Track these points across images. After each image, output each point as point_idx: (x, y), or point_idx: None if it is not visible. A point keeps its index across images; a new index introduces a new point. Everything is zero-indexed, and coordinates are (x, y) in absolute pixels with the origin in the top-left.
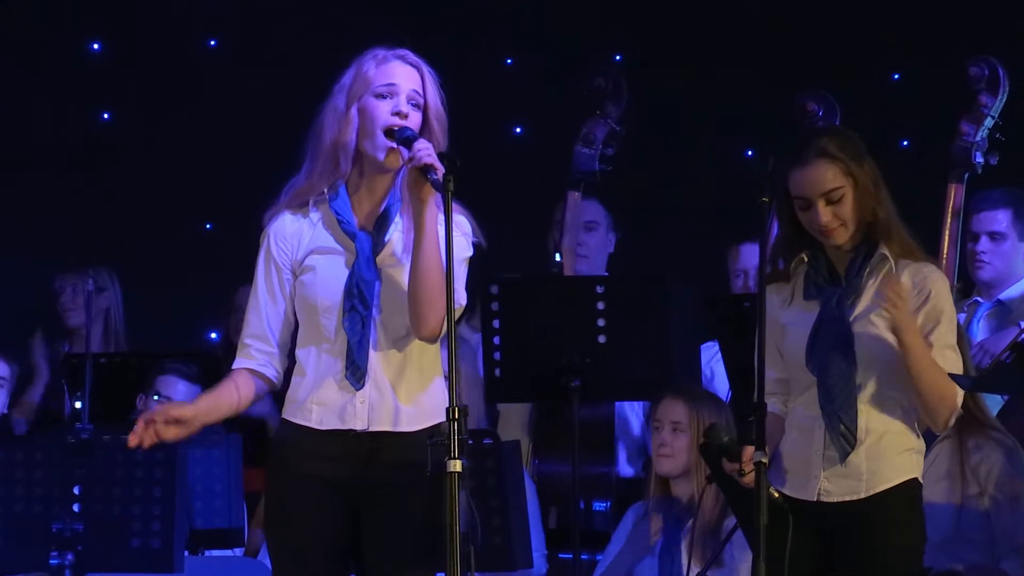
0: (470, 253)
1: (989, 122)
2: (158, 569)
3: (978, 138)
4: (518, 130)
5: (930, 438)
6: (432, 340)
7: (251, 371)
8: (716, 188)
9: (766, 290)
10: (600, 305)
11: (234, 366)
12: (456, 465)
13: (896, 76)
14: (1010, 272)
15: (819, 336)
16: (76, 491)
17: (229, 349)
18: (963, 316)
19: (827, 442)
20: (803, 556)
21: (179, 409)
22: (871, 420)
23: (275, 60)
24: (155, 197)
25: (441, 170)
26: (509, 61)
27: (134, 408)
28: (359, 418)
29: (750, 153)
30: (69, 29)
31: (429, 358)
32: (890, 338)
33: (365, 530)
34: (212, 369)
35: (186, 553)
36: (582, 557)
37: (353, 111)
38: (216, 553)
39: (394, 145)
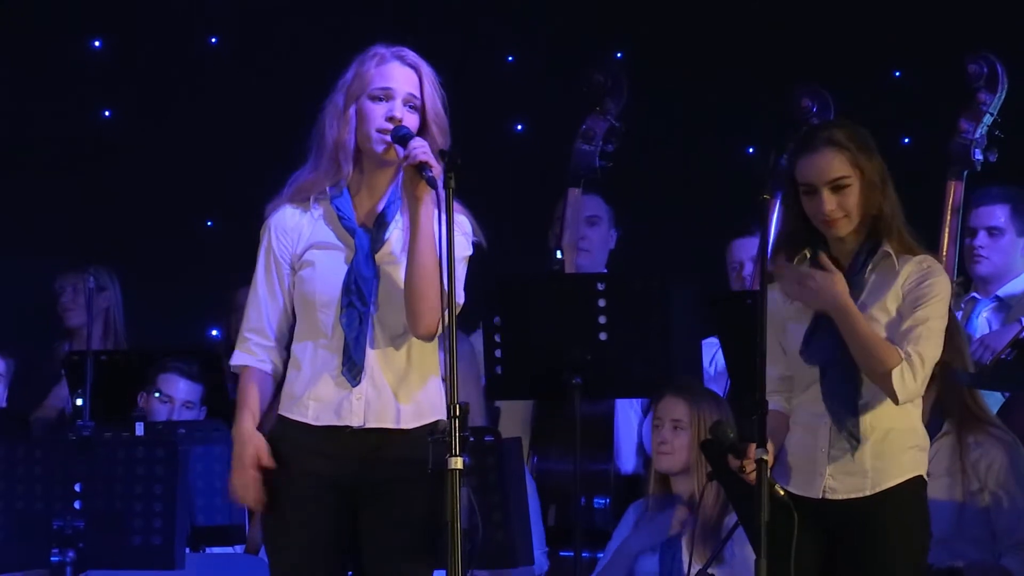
0: (470, 252)
1: (988, 119)
2: (159, 566)
3: (977, 135)
4: (519, 127)
5: (930, 435)
6: (429, 338)
7: (255, 370)
8: (717, 185)
9: (769, 287)
10: (601, 302)
11: (233, 360)
12: (457, 462)
13: (897, 73)
14: (1008, 267)
15: (818, 331)
16: (77, 488)
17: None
18: (960, 313)
19: (832, 439)
20: (808, 554)
21: (265, 458)
22: (876, 417)
23: (276, 57)
24: (156, 194)
25: (437, 168)
26: (510, 59)
27: (135, 406)
28: (355, 415)
29: (751, 150)
30: (70, 26)
31: (426, 356)
32: (886, 326)
33: (362, 527)
34: (213, 367)
35: (187, 550)
36: (582, 555)
37: (351, 112)
38: (217, 550)
39: (390, 140)
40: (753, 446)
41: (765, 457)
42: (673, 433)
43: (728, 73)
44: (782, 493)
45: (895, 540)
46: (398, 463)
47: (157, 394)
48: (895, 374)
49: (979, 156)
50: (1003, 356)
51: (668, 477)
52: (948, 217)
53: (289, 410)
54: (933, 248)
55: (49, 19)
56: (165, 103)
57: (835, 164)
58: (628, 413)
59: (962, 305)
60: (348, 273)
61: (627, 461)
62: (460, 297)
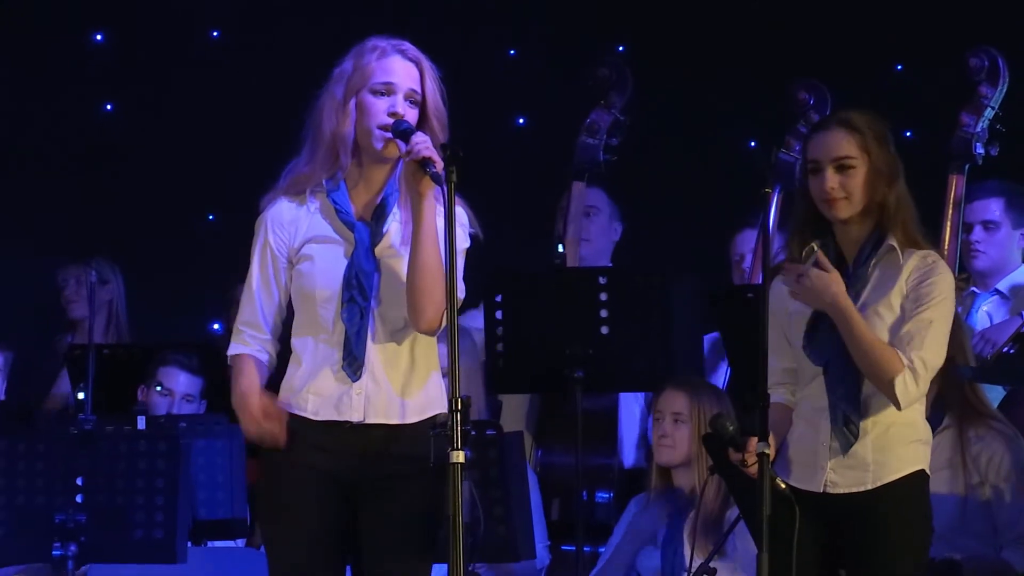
0: (467, 244)
1: (989, 113)
2: (161, 560)
3: (978, 129)
4: (521, 121)
5: (931, 428)
6: (431, 333)
7: (253, 359)
8: (718, 179)
9: (777, 279)
10: (603, 296)
11: (230, 351)
12: (459, 456)
13: (899, 67)
14: (1006, 261)
15: (820, 324)
16: (79, 482)
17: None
18: (960, 307)
19: (832, 434)
20: (809, 547)
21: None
22: (877, 411)
23: (278, 51)
24: (157, 188)
25: (440, 163)
26: (512, 52)
27: (136, 399)
28: (355, 410)
29: (752, 144)
30: (72, 20)
31: (427, 351)
32: (892, 324)
33: (361, 522)
34: (214, 360)
35: (189, 544)
36: (584, 549)
37: (351, 105)
38: (219, 544)
39: (391, 136)
40: (754, 440)
41: (767, 451)
42: (674, 426)
43: (729, 67)
44: (783, 486)
45: (896, 534)
46: (398, 459)
47: (158, 387)
48: (897, 382)
49: (980, 150)
50: (1004, 350)
51: (669, 470)
52: (950, 211)
53: (288, 403)
54: (936, 243)
55: (51, 11)
56: (167, 96)
57: (843, 143)
58: (632, 407)
59: (962, 299)
60: (349, 267)
61: (628, 455)
62: (461, 292)
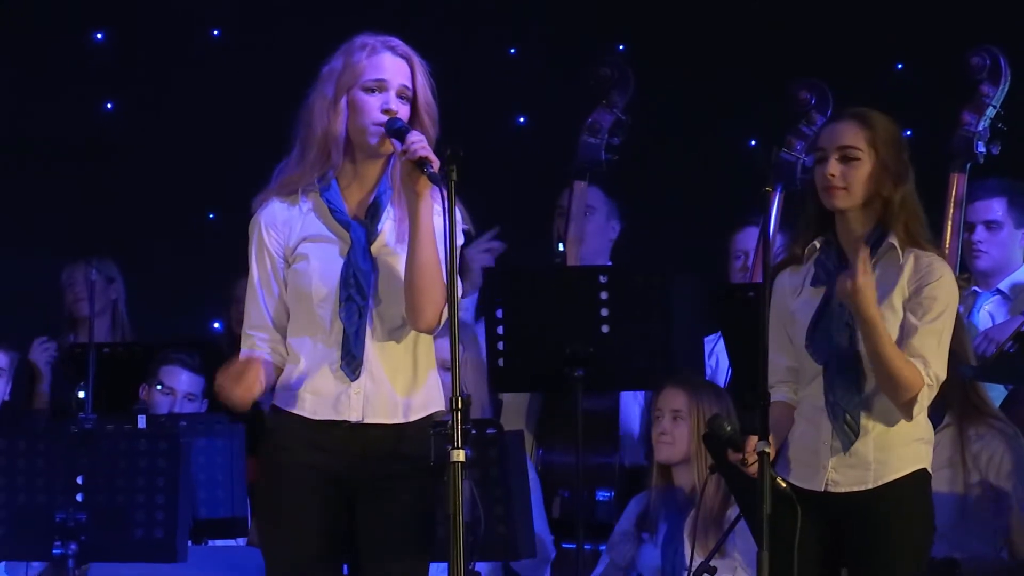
0: (461, 241)
1: (991, 112)
2: (161, 559)
3: (980, 128)
4: (522, 120)
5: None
6: (430, 332)
7: (266, 360)
8: (719, 178)
9: (779, 275)
10: (603, 295)
11: (241, 357)
12: (459, 455)
13: (899, 66)
14: (1008, 260)
15: (821, 322)
16: (79, 481)
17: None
18: (961, 307)
19: (833, 432)
20: (811, 547)
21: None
22: (879, 410)
23: (278, 50)
24: (158, 187)
25: (436, 163)
26: (512, 51)
27: (137, 399)
28: (353, 409)
29: (753, 143)
30: (72, 19)
31: (425, 349)
32: (893, 325)
33: (359, 521)
34: (215, 359)
35: (189, 543)
36: (585, 547)
37: (342, 103)
38: (219, 543)
39: (386, 132)
40: (754, 439)
41: (767, 449)
42: (673, 424)
43: (729, 66)
44: (784, 485)
45: (897, 534)
46: (396, 458)
47: (159, 386)
48: (918, 400)
49: (982, 148)
50: (1006, 349)
51: (670, 469)
52: (951, 210)
53: (284, 402)
54: (939, 247)
55: (51, 12)
56: (167, 94)
57: (850, 133)
58: (632, 406)
59: (963, 299)
60: (346, 266)
61: (630, 453)
62: (458, 290)
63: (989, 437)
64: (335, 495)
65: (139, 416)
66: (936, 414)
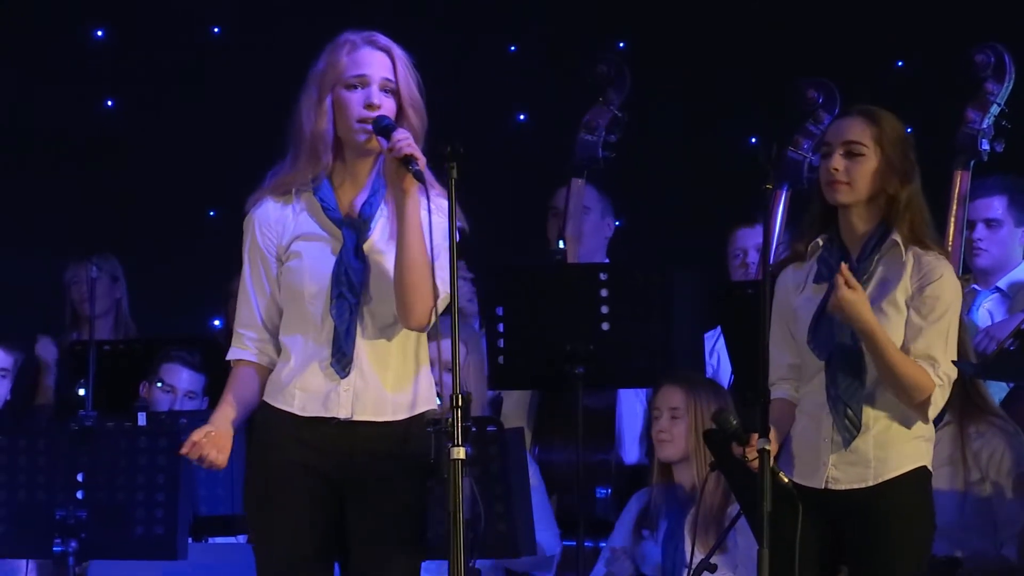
0: (456, 239)
1: (995, 109)
2: (162, 556)
3: (984, 125)
4: (521, 117)
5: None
6: (420, 329)
7: (247, 363)
8: (719, 175)
9: (782, 272)
10: (603, 292)
11: (230, 356)
12: (460, 452)
13: (900, 64)
14: (1008, 258)
15: (823, 319)
16: (80, 478)
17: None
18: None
19: (834, 429)
20: (811, 544)
21: (224, 440)
22: (880, 407)
23: (279, 48)
24: (158, 184)
25: (422, 160)
26: (512, 48)
27: (137, 396)
28: (342, 406)
29: (753, 140)
30: (72, 16)
31: (417, 346)
32: (897, 322)
33: (349, 519)
34: (215, 356)
35: (190, 540)
36: (585, 544)
37: (327, 102)
38: (220, 540)
39: (371, 130)
40: (755, 435)
41: (768, 447)
42: (671, 422)
43: (730, 63)
44: (786, 480)
45: (897, 531)
46: (386, 456)
47: (159, 384)
48: (931, 402)
49: (986, 146)
50: (1006, 346)
51: (670, 466)
52: (955, 207)
53: (274, 398)
54: (941, 241)
55: (51, 9)
56: (168, 92)
57: (855, 129)
58: (633, 404)
59: (964, 296)
60: (337, 264)
61: (630, 452)
62: (446, 286)
63: (990, 435)
64: (324, 493)
65: (139, 414)
66: None
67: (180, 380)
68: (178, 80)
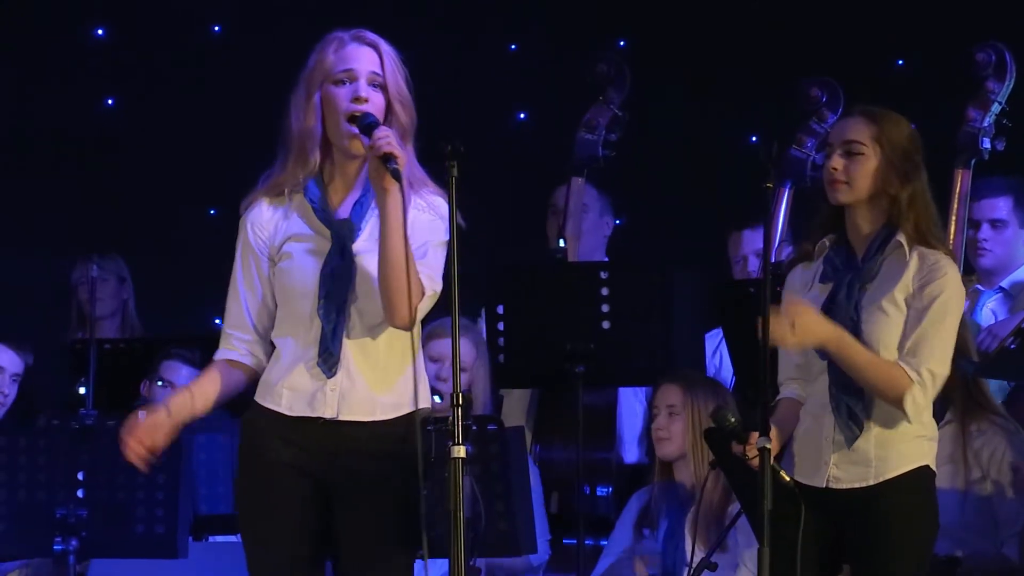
0: (447, 237)
1: (996, 108)
2: (162, 555)
3: (985, 124)
4: (521, 116)
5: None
6: (406, 328)
7: (230, 362)
8: (720, 174)
9: (791, 271)
10: (604, 291)
11: (218, 356)
12: (460, 451)
13: (900, 62)
14: (1012, 259)
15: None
16: (80, 477)
17: None
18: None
19: (836, 428)
20: (812, 543)
21: (151, 420)
22: (881, 407)
23: (279, 46)
24: (158, 182)
25: (403, 157)
26: (513, 47)
27: (138, 394)
28: (328, 406)
29: (753, 139)
30: (72, 14)
31: (405, 346)
32: (897, 321)
33: (337, 519)
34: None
35: (190, 539)
36: (586, 542)
37: (315, 100)
38: (220, 539)
39: (356, 131)
40: (755, 434)
41: (768, 445)
42: (669, 419)
43: (731, 62)
44: (787, 479)
45: (898, 531)
46: (371, 456)
47: (160, 382)
48: (907, 399)
49: (987, 145)
50: (1007, 344)
51: (671, 464)
52: (955, 206)
53: (263, 397)
54: (946, 241)
55: (51, 7)
56: (167, 92)
57: (856, 128)
58: (632, 403)
59: (967, 295)
60: (326, 264)
61: (630, 450)
62: (437, 285)
63: (991, 433)
64: (313, 493)
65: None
66: (938, 410)
67: (180, 377)
68: (178, 79)
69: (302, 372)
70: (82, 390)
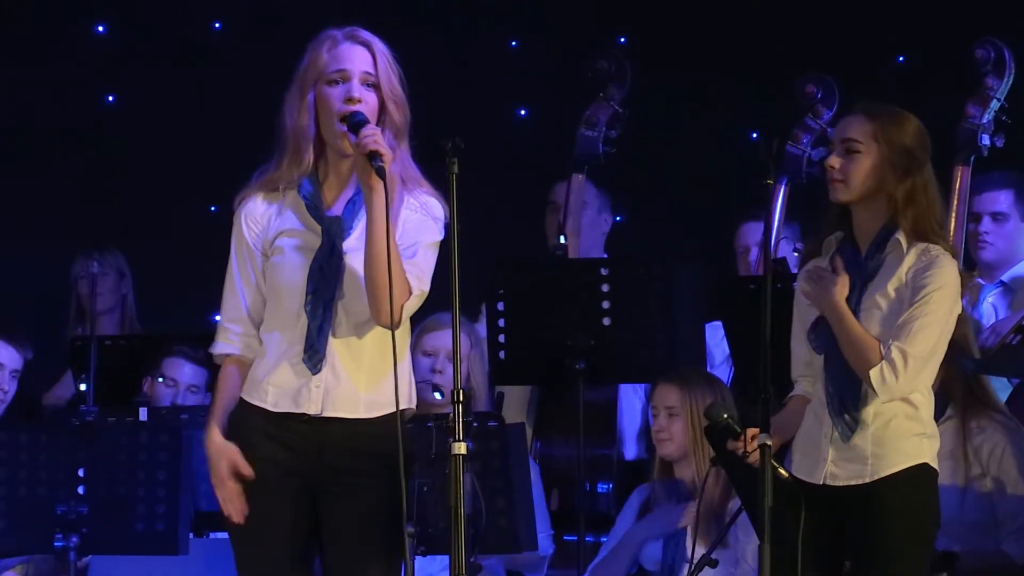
0: (440, 237)
1: (995, 104)
2: (163, 551)
3: (984, 120)
4: (523, 112)
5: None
6: (391, 326)
7: (237, 361)
8: (721, 169)
9: (803, 271)
10: (605, 287)
11: (215, 349)
12: (461, 447)
13: (900, 59)
14: (1012, 253)
15: (823, 318)
16: (81, 474)
17: None
18: (966, 299)
19: (833, 422)
20: (811, 539)
21: (243, 468)
22: (879, 404)
23: (280, 43)
24: (160, 179)
25: (388, 155)
26: (514, 43)
27: (140, 391)
28: (313, 402)
29: (754, 135)
30: (73, 11)
31: (395, 345)
32: (887, 312)
33: (323, 517)
34: None
35: (191, 535)
36: (586, 539)
37: (309, 99)
38: (221, 535)
39: (345, 130)
40: (753, 430)
41: (768, 442)
42: (668, 420)
43: (731, 58)
44: (785, 475)
45: (897, 528)
46: (357, 454)
47: (161, 378)
48: (873, 373)
49: (986, 141)
50: (1008, 341)
51: (671, 463)
52: (955, 203)
53: (249, 394)
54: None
55: (52, 4)
56: (168, 88)
57: (853, 126)
58: (632, 399)
59: (968, 290)
60: (315, 261)
61: (630, 447)
62: (425, 285)
63: (991, 430)
64: (297, 488)
65: (140, 409)
66: (938, 406)
67: (182, 374)
68: (179, 75)
69: (287, 368)
70: (83, 387)
